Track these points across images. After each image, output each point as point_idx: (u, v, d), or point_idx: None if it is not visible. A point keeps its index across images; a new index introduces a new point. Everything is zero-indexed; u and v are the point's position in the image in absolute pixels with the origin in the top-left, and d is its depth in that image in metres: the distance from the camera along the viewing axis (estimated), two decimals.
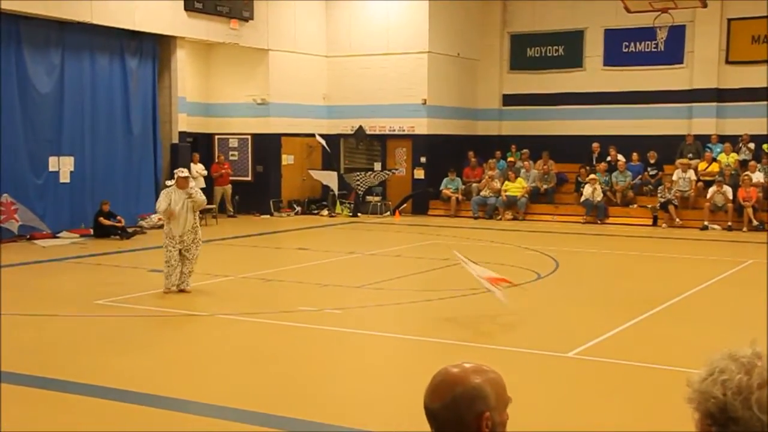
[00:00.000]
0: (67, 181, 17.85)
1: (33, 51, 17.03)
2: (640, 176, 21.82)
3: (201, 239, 11.51)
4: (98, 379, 7.22)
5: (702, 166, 21.29)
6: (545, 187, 22.41)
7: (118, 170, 18.91)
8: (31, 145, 17.11)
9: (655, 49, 22.37)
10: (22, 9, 16.17)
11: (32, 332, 9.16)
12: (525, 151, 23.28)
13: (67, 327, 9.47)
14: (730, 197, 19.83)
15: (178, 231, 11.15)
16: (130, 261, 14.59)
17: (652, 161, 21.91)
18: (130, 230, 17.66)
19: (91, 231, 17.50)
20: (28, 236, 16.70)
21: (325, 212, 22.92)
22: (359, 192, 23.09)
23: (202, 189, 20.88)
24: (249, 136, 22.74)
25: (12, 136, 16.68)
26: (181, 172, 11.59)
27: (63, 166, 17.79)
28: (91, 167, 18.31)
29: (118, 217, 17.62)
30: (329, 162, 23.62)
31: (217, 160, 22.00)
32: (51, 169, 17.56)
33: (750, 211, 19.44)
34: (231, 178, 22.18)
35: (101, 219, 17.44)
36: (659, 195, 20.70)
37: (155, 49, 19.67)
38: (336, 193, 23.03)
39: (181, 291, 11.24)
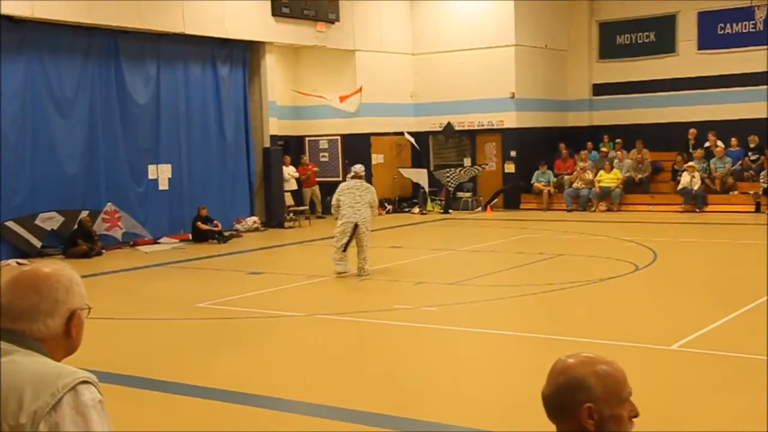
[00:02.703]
0: (166, 188, 18.41)
1: (130, 63, 17.62)
2: (740, 162, 21.08)
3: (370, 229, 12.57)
4: (202, 380, 7.41)
5: None
6: (640, 176, 21.88)
7: (213, 176, 19.38)
8: (131, 155, 17.71)
9: (753, 29, 21.56)
10: (120, 24, 16.76)
11: (138, 335, 9.48)
12: (618, 140, 22.80)
13: (170, 330, 9.76)
14: None
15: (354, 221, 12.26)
16: (228, 264, 14.93)
17: (752, 146, 21.13)
18: (226, 234, 18.07)
19: (190, 236, 17.99)
20: (131, 243, 17.29)
21: (417, 210, 22.95)
22: (450, 188, 23.04)
23: (293, 191, 21.49)
24: (338, 137, 22.97)
25: (113, 146, 17.31)
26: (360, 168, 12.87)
27: (161, 173, 18.36)
28: (188, 174, 18.83)
29: (215, 222, 18.06)
30: (419, 159, 23.65)
31: (302, 162, 22.25)
32: (150, 177, 18.14)
33: None
34: (322, 179, 22.45)
35: (199, 224, 17.90)
36: (762, 180, 19.95)
37: (245, 55, 20.09)
38: (426, 190, 23.04)
39: (360, 275, 12.43)
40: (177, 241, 17.82)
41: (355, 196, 12.35)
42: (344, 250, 12.40)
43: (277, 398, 6.87)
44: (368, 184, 12.81)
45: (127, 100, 17.57)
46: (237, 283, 12.75)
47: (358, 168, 12.98)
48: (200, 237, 17.79)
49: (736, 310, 9.39)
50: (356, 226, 12.29)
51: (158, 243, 17.55)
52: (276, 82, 21.02)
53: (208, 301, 11.04)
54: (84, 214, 16.41)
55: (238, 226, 19.30)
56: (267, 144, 20.55)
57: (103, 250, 16.22)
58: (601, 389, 1.99)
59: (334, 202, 12.61)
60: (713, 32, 22.43)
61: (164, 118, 18.32)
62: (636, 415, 2.03)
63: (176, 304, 11.07)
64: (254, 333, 9.48)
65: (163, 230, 18.08)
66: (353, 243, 12.44)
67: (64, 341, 2.18)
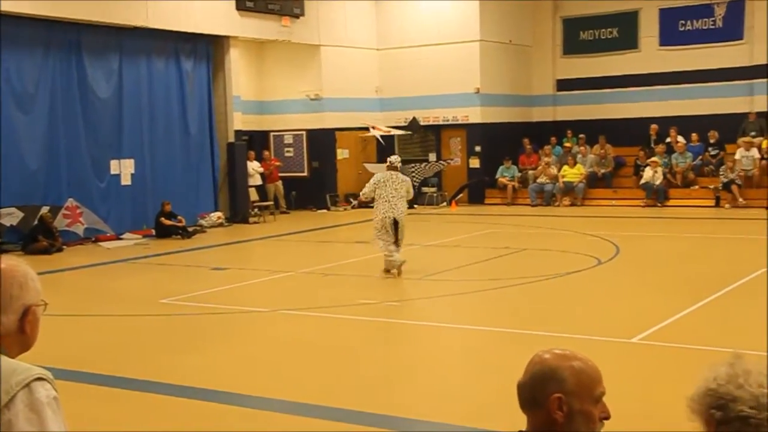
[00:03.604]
0: (129, 183, 18.23)
1: (92, 57, 17.41)
2: (700, 157, 21.38)
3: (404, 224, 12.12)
4: (166, 376, 7.36)
5: (766, 143, 20.75)
6: (603, 171, 22.11)
7: (177, 171, 19.24)
8: (93, 150, 17.51)
9: (714, 26, 21.88)
10: (82, 17, 16.55)
11: (100, 332, 9.39)
12: (581, 136, 23.00)
13: (134, 326, 9.68)
14: None
15: (391, 215, 11.93)
16: (192, 260, 14.83)
17: (712, 141, 21.44)
18: (190, 230, 17.95)
19: (153, 231, 17.84)
20: (93, 239, 17.11)
21: None
22: (415, 183, 22.98)
23: (257, 186, 21.40)
24: (304, 132, 22.91)
25: (74, 141, 17.10)
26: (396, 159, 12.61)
27: (124, 168, 18.17)
28: (151, 169, 18.67)
29: (179, 217, 17.93)
30: (384, 155, 23.64)
31: (264, 158, 22.15)
32: (113, 172, 17.95)
33: None
34: (287, 174, 22.38)
35: (163, 219, 17.76)
36: (721, 175, 20.26)
37: (209, 50, 19.95)
38: None
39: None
40: (140, 236, 17.67)
41: (390, 189, 12.02)
42: (396, 245, 12.04)
43: (242, 394, 6.84)
44: (403, 176, 12.42)
45: (89, 95, 17.37)
46: (201, 279, 12.68)
47: (394, 159, 12.68)
48: (164, 233, 17.66)
49: (696, 303, 9.53)
50: (395, 221, 11.96)
51: (121, 239, 17.39)
52: (240, 77, 20.91)
53: (172, 297, 10.97)
54: (45, 209, 16.19)
55: (202, 222, 19.18)
56: (231, 139, 20.44)
57: (64, 247, 16.03)
58: (574, 383, 2.01)
59: (366, 190, 12.25)
60: (674, 29, 22.71)
61: (127, 112, 18.13)
62: (607, 417, 2.05)
63: (140, 301, 10.98)
64: (219, 329, 9.44)
65: (126, 226, 17.91)
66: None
67: (18, 338, 2.16)
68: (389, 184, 12.05)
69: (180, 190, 19.05)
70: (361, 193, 12.70)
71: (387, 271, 12.02)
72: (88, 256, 15.29)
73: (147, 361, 7.95)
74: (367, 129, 22.93)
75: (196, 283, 12.22)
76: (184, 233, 17.61)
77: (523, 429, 2.07)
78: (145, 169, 18.52)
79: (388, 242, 12.01)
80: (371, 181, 12.25)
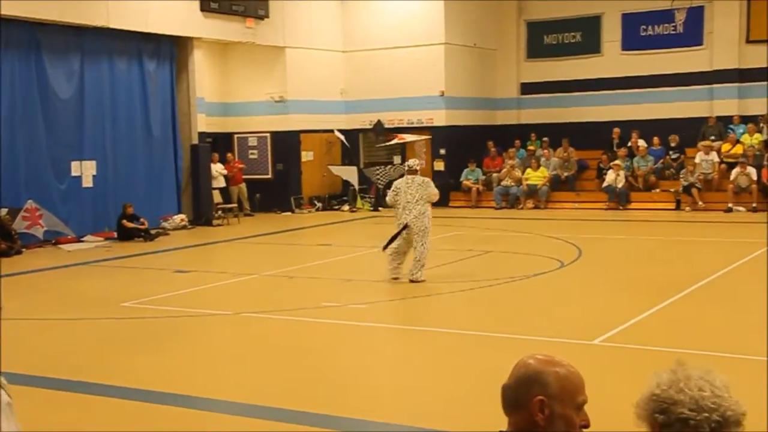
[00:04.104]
0: (90, 185, 18.00)
1: (52, 57, 17.17)
2: (661, 160, 21.65)
3: (429, 228, 11.49)
4: (126, 380, 7.27)
5: (725, 147, 21.06)
6: (566, 174, 22.29)
7: (139, 173, 19.03)
8: (54, 151, 17.26)
9: (674, 32, 22.18)
10: (38, 15, 16.29)
11: (60, 336, 9.25)
12: (545, 139, 23.18)
13: (94, 330, 9.55)
14: (755, 178, 19.62)
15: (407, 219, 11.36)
16: (154, 263, 14.69)
17: (673, 145, 21.72)
18: (153, 232, 17.77)
19: (115, 234, 17.63)
20: (53, 241, 16.86)
21: (346, 207, 22.95)
22: (379, 186, 23.08)
23: (221, 189, 21.26)
24: (268, 134, 22.81)
25: (34, 142, 16.84)
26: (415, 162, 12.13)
27: (85, 170, 17.94)
28: (113, 171, 18.45)
29: (141, 220, 17.75)
30: (349, 157, 23.64)
31: (227, 160, 21.97)
32: (74, 173, 17.71)
33: None
34: (251, 176, 22.27)
35: (125, 222, 17.57)
36: (682, 178, 20.53)
37: (172, 50, 19.77)
38: (356, 188, 23.05)
39: (411, 281, 11.43)
40: (102, 239, 17.45)
41: (406, 195, 11.42)
42: (394, 251, 11.47)
43: (204, 398, 6.78)
44: (424, 178, 11.82)
45: (49, 95, 17.11)
46: (163, 282, 12.56)
47: (412, 162, 12.14)
48: (126, 235, 17.46)
49: (657, 305, 9.64)
50: (406, 226, 11.38)
51: (82, 241, 17.16)
52: (204, 78, 20.76)
53: (134, 301, 10.85)
54: (3, 211, 15.92)
55: (165, 224, 18.99)
56: (195, 141, 20.28)
57: (24, 249, 15.77)
58: (557, 387, 2.05)
59: (389, 199, 11.76)
60: (636, 34, 22.99)
61: (88, 113, 17.90)
62: (587, 425, 2.09)
63: (100, 304, 10.84)
64: (181, 332, 9.35)
65: (87, 228, 17.67)
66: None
67: None
68: (406, 190, 11.47)
69: (142, 192, 18.86)
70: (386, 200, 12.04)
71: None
72: (48, 259, 15.07)
73: (107, 365, 7.84)
74: (332, 131, 22.96)
75: (159, 286, 12.10)
76: (146, 236, 17.43)
77: (503, 429, 2.09)
78: (107, 170, 18.30)
79: (396, 252, 11.52)
80: (391, 188, 11.75)
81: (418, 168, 11.91)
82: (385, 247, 11.62)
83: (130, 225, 17.56)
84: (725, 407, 1.89)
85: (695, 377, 1.94)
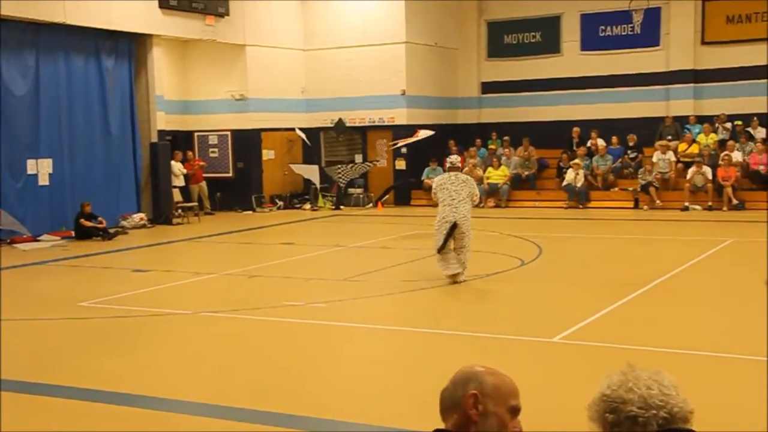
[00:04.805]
0: (47, 183, 17.73)
1: (7, 53, 16.86)
2: (620, 159, 21.92)
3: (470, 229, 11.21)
4: (85, 381, 7.18)
5: (682, 147, 21.39)
6: (526, 173, 22.46)
7: (97, 171, 18.79)
8: (8, 149, 16.96)
9: (632, 32, 22.45)
10: None
11: (15, 337, 9.09)
12: (506, 138, 23.33)
13: (51, 330, 9.41)
14: (710, 177, 19.95)
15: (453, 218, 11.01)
16: (113, 262, 14.51)
17: (631, 144, 22.01)
18: (111, 231, 17.56)
19: (73, 233, 17.39)
20: (8, 240, 16.57)
21: (308, 206, 22.88)
22: (341, 185, 23.07)
23: (181, 187, 21.07)
24: (228, 133, 22.66)
25: None
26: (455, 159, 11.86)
27: (41, 168, 17.66)
28: (70, 169, 18.19)
29: (99, 219, 17.52)
30: (310, 156, 23.58)
31: (188, 158, 21.75)
32: (29, 172, 17.42)
33: (729, 190, 19.58)
34: (212, 174, 22.10)
35: (82, 221, 17.34)
36: (640, 177, 20.80)
37: (131, 48, 19.54)
38: (318, 186, 22.99)
39: (455, 282, 11.15)
40: (59, 238, 17.20)
41: (450, 192, 11.08)
42: (444, 251, 11.09)
43: (162, 398, 6.72)
44: (465, 176, 11.58)
45: (3, 92, 16.80)
46: (122, 281, 12.41)
47: (454, 159, 11.93)
48: (84, 234, 17.23)
49: (615, 303, 9.76)
50: (454, 225, 11.04)
51: (38, 240, 16.89)
52: (164, 76, 20.54)
53: (92, 300, 10.71)
54: None
55: (124, 223, 18.77)
56: (154, 139, 20.07)
57: None
58: (492, 387, 2.11)
59: (434, 196, 11.42)
60: (595, 34, 23.25)
61: (44, 110, 17.62)
62: (514, 429, 2.11)
63: (57, 304, 10.68)
64: (140, 332, 9.25)
65: (44, 227, 17.40)
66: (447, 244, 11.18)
67: None
68: (448, 187, 11.14)
69: (101, 190, 18.61)
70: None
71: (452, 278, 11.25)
72: (3, 259, 14.80)
73: (64, 366, 7.73)
74: (292, 129, 22.87)
75: (117, 285, 11.95)
76: (104, 235, 17.22)
77: (441, 427, 2.12)
78: (64, 168, 18.03)
79: (439, 250, 11.16)
80: (434, 185, 11.48)
81: (459, 165, 11.75)
82: (440, 249, 11.12)
83: (88, 224, 17.33)
84: (672, 404, 1.95)
85: (644, 377, 2.00)
